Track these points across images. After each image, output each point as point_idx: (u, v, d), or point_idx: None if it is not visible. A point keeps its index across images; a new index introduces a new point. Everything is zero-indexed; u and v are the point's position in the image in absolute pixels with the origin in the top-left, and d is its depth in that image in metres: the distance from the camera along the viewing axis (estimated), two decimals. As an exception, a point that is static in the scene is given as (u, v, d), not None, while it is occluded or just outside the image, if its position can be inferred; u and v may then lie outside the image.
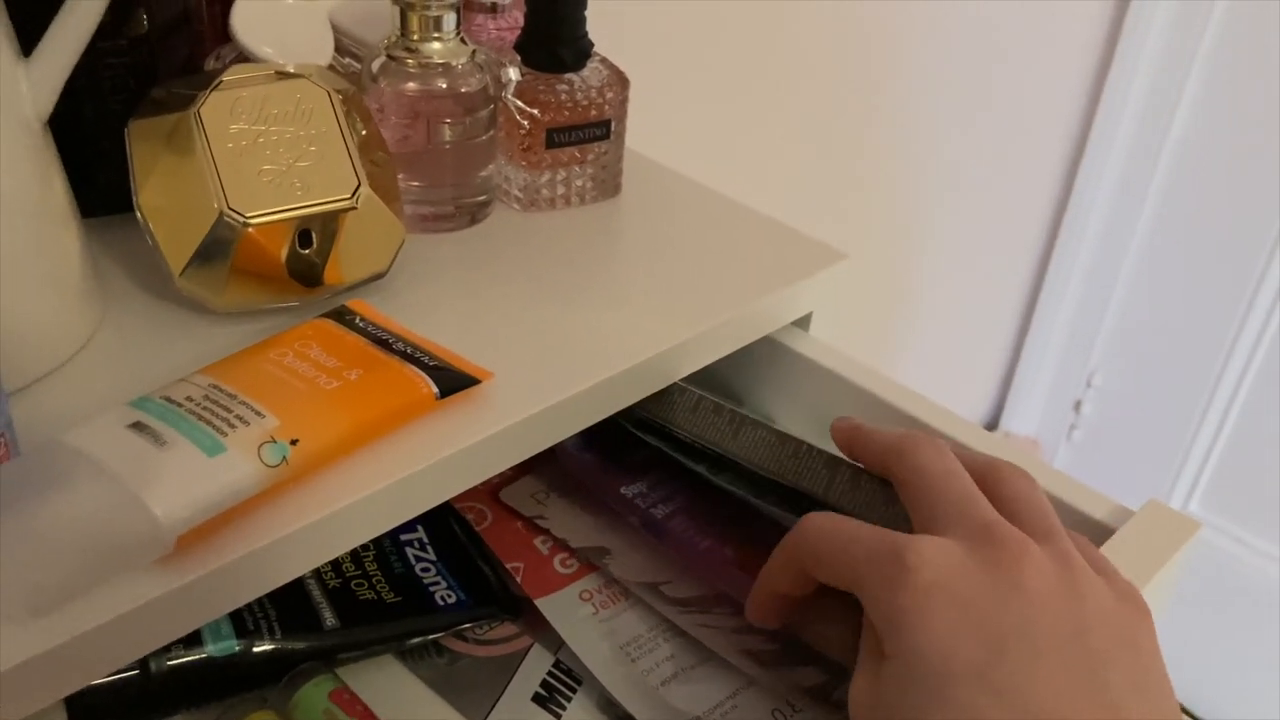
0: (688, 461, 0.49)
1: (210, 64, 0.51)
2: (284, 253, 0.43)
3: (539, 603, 0.49)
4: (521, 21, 0.53)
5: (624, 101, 0.54)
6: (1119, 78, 1.52)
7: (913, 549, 0.35)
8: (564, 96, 0.52)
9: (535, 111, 0.52)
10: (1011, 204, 1.56)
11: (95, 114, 0.47)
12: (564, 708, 0.46)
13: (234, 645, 0.44)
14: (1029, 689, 0.32)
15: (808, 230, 0.55)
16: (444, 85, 0.49)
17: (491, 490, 0.54)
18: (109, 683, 0.41)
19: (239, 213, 0.41)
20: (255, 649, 0.44)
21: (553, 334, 0.46)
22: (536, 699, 0.46)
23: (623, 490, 0.51)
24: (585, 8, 0.52)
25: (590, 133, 0.53)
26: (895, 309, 1.44)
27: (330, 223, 0.43)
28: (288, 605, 0.46)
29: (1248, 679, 1.69)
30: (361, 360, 0.40)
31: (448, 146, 0.50)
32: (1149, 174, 1.59)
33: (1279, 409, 1.59)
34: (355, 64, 0.54)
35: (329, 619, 0.46)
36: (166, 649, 0.42)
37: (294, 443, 0.35)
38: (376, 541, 0.51)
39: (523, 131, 0.52)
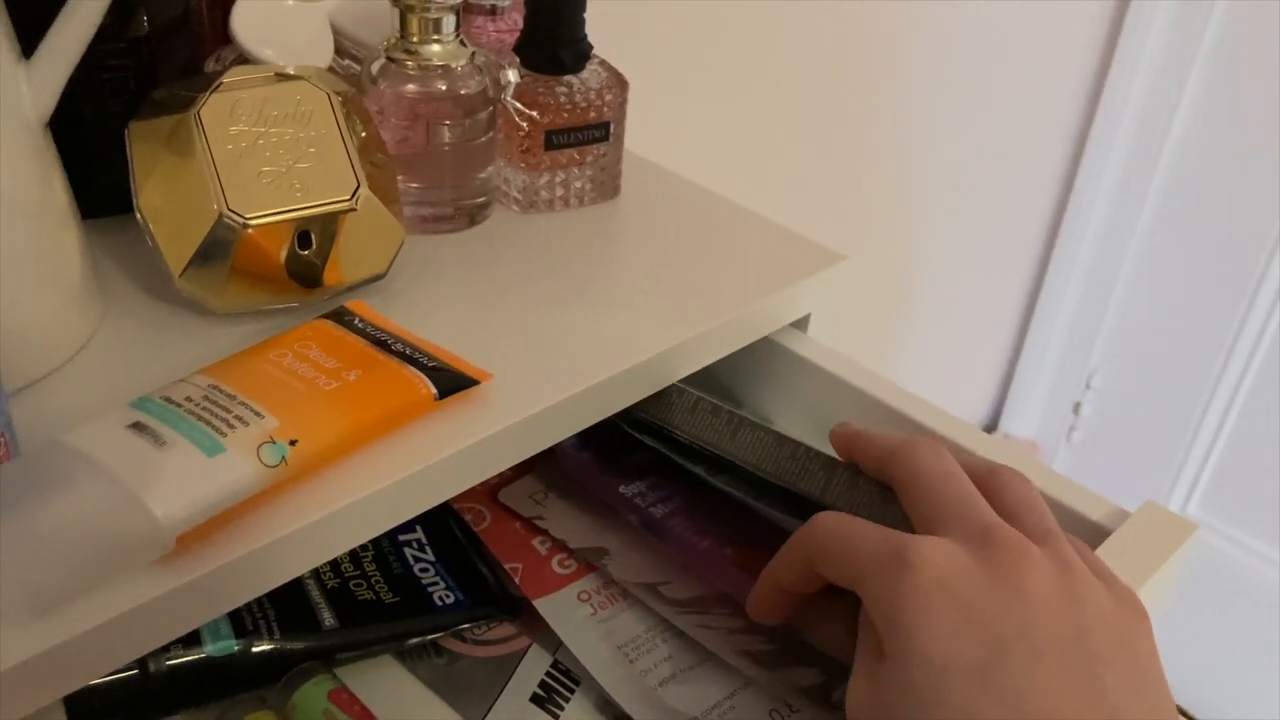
0: (686, 463, 0.49)
1: (210, 66, 0.51)
2: (283, 254, 0.43)
3: (537, 603, 0.49)
4: (520, 24, 0.53)
5: (623, 103, 0.54)
6: (1119, 78, 1.52)
7: (915, 548, 0.35)
8: (563, 98, 0.52)
9: (534, 113, 0.52)
10: (1011, 205, 1.56)
11: (95, 115, 0.47)
12: (562, 708, 0.46)
13: (233, 645, 0.44)
14: (1028, 691, 0.32)
15: (806, 232, 0.55)
16: (443, 87, 0.49)
17: (490, 491, 0.54)
18: (108, 682, 0.41)
19: (238, 214, 0.42)
20: (254, 649, 0.44)
21: (551, 335, 0.46)
22: (535, 699, 0.47)
23: (622, 489, 0.51)
24: (584, 10, 0.52)
25: (589, 134, 0.53)
26: (894, 310, 1.44)
27: (330, 224, 0.43)
28: (286, 605, 0.46)
29: (1246, 680, 1.69)
30: (361, 361, 0.40)
31: (447, 148, 0.50)
32: (1149, 175, 1.59)
33: (1278, 411, 1.59)
34: (355, 66, 0.54)
35: (328, 619, 0.47)
36: (165, 649, 0.42)
37: (293, 443, 0.36)
38: (375, 542, 0.51)
39: (522, 133, 0.52)
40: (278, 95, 0.44)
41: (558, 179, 0.54)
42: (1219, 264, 1.58)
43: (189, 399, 0.36)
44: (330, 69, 0.50)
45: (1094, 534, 0.45)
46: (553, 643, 0.49)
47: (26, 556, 0.31)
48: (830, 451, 0.44)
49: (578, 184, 0.55)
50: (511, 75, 0.52)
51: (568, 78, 0.53)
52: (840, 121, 1.14)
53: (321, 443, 0.36)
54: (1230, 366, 1.61)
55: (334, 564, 0.49)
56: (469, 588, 0.50)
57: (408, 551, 0.51)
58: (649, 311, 0.48)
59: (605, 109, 0.53)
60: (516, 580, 0.50)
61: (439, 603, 0.49)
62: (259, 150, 0.43)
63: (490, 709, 0.46)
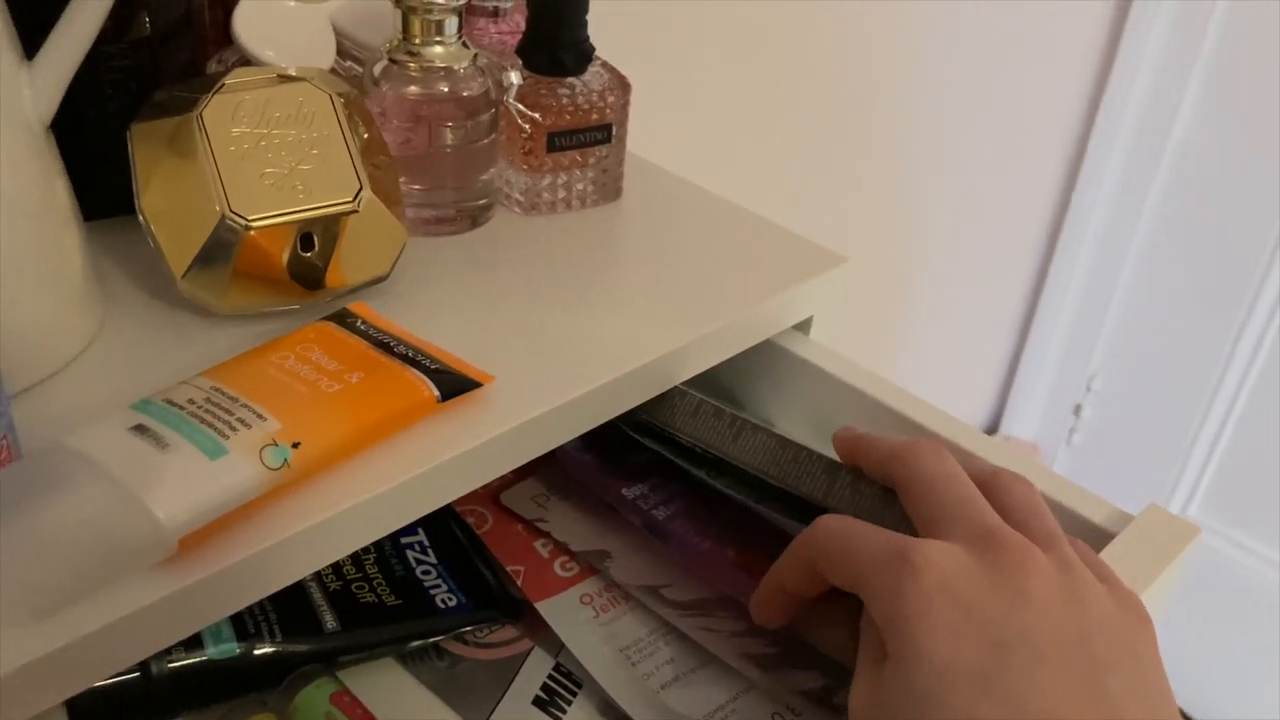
0: (688, 466, 0.49)
1: (212, 67, 0.51)
2: (286, 256, 0.43)
3: (539, 606, 0.49)
4: (523, 25, 0.53)
5: (625, 105, 0.54)
6: (1119, 81, 1.52)
7: (918, 550, 0.35)
8: (565, 100, 0.52)
9: (536, 115, 0.52)
10: (1012, 207, 1.56)
11: (97, 117, 0.47)
12: (564, 711, 0.46)
13: (235, 648, 0.44)
14: (1029, 693, 0.32)
15: (808, 234, 0.55)
16: (446, 89, 0.49)
17: (492, 493, 0.54)
18: (110, 685, 0.41)
19: (241, 216, 0.42)
20: (256, 651, 0.44)
21: (553, 337, 0.46)
22: (537, 702, 0.47)
23: (624, 491, 0.51)
24: (586, 12, 0.52)
25: (591, 136, 0.53)
26: (895, 312, 1.44)
27: (332, 226, 0.43)
28: (288, 608, 0.46)
29: (1246, 682, 1.69)
30: (363, 363, 0.40)
31: (449, 150, 0.50)
32: (1149, 177, 1.59)
33: (1279, 413, 1.59)
34: (356, 67, 0.54)
35: (330, 622, 0.46)
36: (167, 651, 0.42)
37: (296, 446, 0.35)
38: (377, 544, 0.51)
39: (524, 135, 0.52)
40: (280, 97, 0.44)
41: (560, 181, 0.54)
42: (1220, 266, 1.58)
43: (191, 401, 0.36)
44: (332, 70, 0.50)
45: (1097, 537, 0.45)
46: (555, 645, 0.49)
47: (28, 559, 0.31)
48: (833, 454, 0.44)
49: (580, 186, 0.55)
50: (514, 77, 0.52)
51: (570, 80, 0.53)
52: (841, 123, 1.14)
53: (324, 445, 0.36)
54: (1231, 368, 1.61)
55: (336, 566, 0.49)
56: (471, 590, 0.50)
57: (410, 554, 0.51)
58: (651, 314, 0.48)
59: (607, 111, 0.53)
60: (518, 583, 0.50)
61: (441, 605, 0.49)
62: (261, 152, 0.43)
63: (492, 712, 0.46)
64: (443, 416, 0.40)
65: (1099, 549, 0.43)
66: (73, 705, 0.39)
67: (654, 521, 0.50)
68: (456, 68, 0.49)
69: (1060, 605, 0.34)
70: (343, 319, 0.43)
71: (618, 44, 0.58)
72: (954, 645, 0.33)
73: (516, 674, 0.48)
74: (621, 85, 0.54)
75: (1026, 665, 0.33)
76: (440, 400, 0.40)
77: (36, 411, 0.39)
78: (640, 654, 0.47)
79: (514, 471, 0.48)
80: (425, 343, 0.43)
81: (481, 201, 0.53)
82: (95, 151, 0.46)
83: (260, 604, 0.45)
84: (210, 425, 0.35)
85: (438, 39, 0.48)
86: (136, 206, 0.43)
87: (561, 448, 0.52)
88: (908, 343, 1.50)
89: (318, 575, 0.48)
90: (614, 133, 0.54)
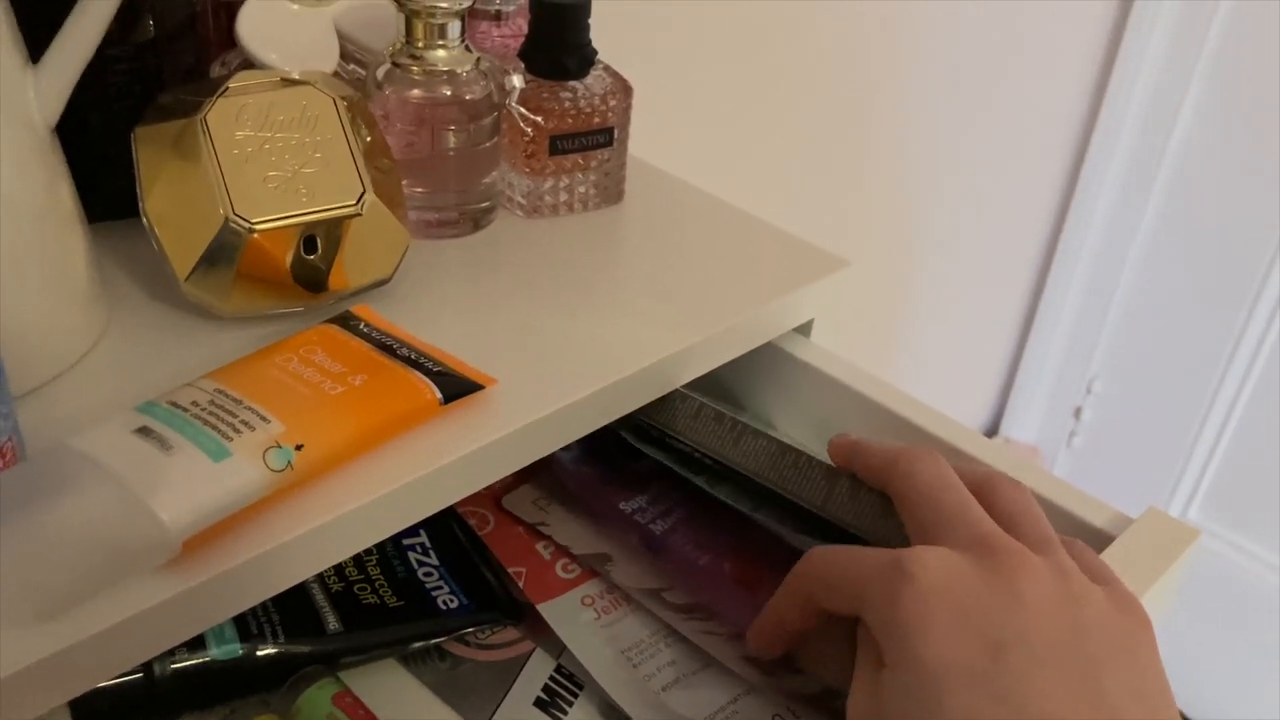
0: (687, 474, 0.49)
1: (216, 70, 0.51)
2: (289, 258, 0.43)
3: (541, 608, 0.49)
4: (525, 29, 0.53)
5: (627, 109, 0.54)
6: (1120, 85, 1.52)
7: (913, 557, 0.35)
8: (567, 104, 0.52)
9: (539, 118, 0.52)
10: (1012, 210, 1.56)
11: (101, 120, 0.47)
12: (566, 712, 0.46)
13: (237, 649, 0.44)
14: (1028, 694, 0.32)
15: (809, 237, 0.55)
16: (448, 92, 0.49)
17: (494, 496, 0.54)
18: (113, 686, 0.41)
19: (244, 219, 0.42)
20: (258, 652, 0.44)
21: (555, 340, 0.46)
22: (538, 704, 0.47)
23: (621, 506, 0.51)
24: (589, 16, 0.52)
25: (593, 140, 0.53)
26: (896, 315, 1.44)
27: (335, 229, 0.43)
28: (291, 609, 0.46)
29: (1245, 685, 1.69)
30: (366, 366, 0.40)
31: (452, 153, 0.50)
32: (1150, 179, 1.59)
33: (1278, 416, 1.59)
34: (359, 70, 0.54)
35: (332, 623, 0.47)
36: (170, 652, 0.42)
37: (299, 448, 0.36)
38: (379, 546, 0.51)
39: (526, 138, 0.52)
40: (284, 100, 0.44)
41: (562, 184, 0.54)
42: (1220, 269, 1.58)
43: (195, 403, 0.36)
44: (335, 74, 0.51)
45: (1097, 540, 0.45)
46: (556, 647, 0.49)
47: (33, 560, 0.32)
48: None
49: (582, 189, 0.55)
50: (516, 80, 0.52)
51: (572, 83, 0.53)
52: (842, 126, 1.14)
53: (327, 447, 0.37)
54: (1231, 371, 1.61)
55: (338, 568, 0.49)
56: (473, 592, 0.50)
57: (412, 555, 0.51)
58: (653, 316, 0.48)
59: (609, 114, 0.53)
60: (520, 584, 0.50)
61: (443, 607, 0.49)
62: (265, 155, 0.43)
63: (494, 713, 0.46)
64: (445, 419, 0.40)
65: (1098, 552, 0.43)
66: (76, 706, 0.39)
67: (651, 536, 0.50)
68: (459, 71, 0.49)
69: (1055, 607, 0.35)
70: (346, 321, 0.43)
71: (619, 47, 0.59)
72: (951, 647, 0.33)
73: (518, 675, 0.48)
74: (623, 89, 0.54)
75: (1023, 666, 0.33)
76: (443, 403, 0.40)
77: (41, 413, 0.39)
78: (641, 656, 0.47)
79: (515, 475, 0.48)
80: (428, 345, 0.43)
81: (484, 204, 0.53)
82: (99, 154, 0.46)
83: (263, 605, 0.46)
84: (214, 427, 0.35)
85: (440, 42, 0.49)
86: (140, 209, 0.43)
87: (558, 461, 0.52)
88: (908, 345, 1.50)
89: (320, 576, 0.49)
90: (616, 136, 0.54)
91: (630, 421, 0.50)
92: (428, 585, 0.50)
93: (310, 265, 0.44)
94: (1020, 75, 1.36)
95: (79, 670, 0.32)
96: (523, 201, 0.54)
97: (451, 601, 0.49)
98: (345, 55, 0.53)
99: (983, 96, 1.32)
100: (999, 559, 0.35)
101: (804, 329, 0.55)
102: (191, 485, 0.33)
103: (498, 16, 0.57)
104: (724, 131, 1.00)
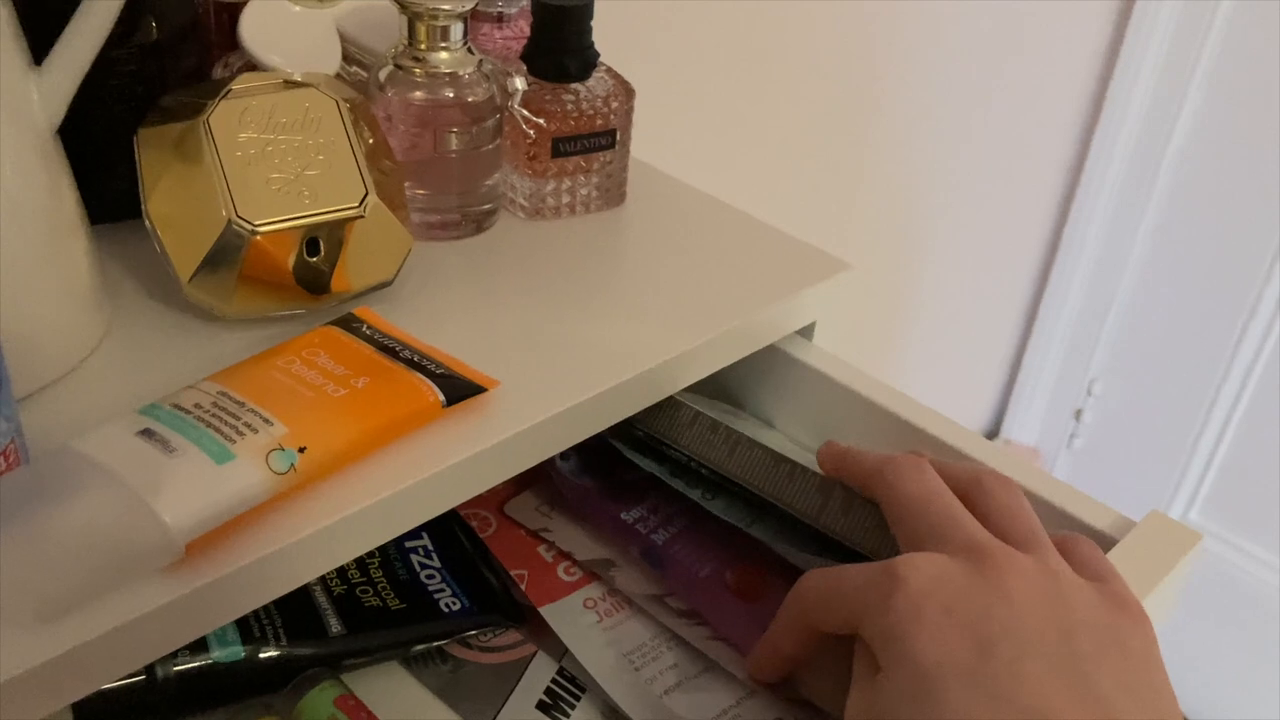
0: (682, 487, 0.49)
1: (218, 72, 0.51)
2: (291, 261, 0.43)
3: (543, 610, 0.49)
4: (527, 31, 0.53)
5: (629, 111, 0.54)
6: (1120, 88, 1.52)
7: (904, 561, 0.36)
8: (569, 106, 0.52)
9: (541, 121, 0.52)
10: (1013, 212, 1.56)
11: (104, 121, 0.47)
12: (568, 715, 0.46)
13: (239, 651, 0.44)
14: (1017, 688, 0.33)
15: (811, 239, 0.55)
16: (451, 94, 0.49)
17: (496, 499, 0.54)
18: (115, 688, 0.41)
19: (247, 221, 0.42)
20: (261, 655, 0.44)
21: (557, 342, 0.46)
22: (540, 706, 0.47)
23: (623, 516, 0.51)
24: (591, 18, 0.52)
25: (595, 142, 0.53)
26: (897, 317, 1.44)
27: (337, 231, 0.43)
28: (293, 612, 0.46)
29: (1246, 687, 1.69)
30: (369, 368, 0.40)
31: (454, 155, 0.50)
32: (1150, 182, 1.59)
33: (1279, 419, 1.59)
34: (362, 72, 0.54)
35: (334, 625, 0.47)
36: (172, 654, 0.42)
37: (302, 450, 0.36)
38: (381, 548, 0.51)
39: (528, 140, 0.52)
40: (286, 102, 0.44)
41: (564, 186, 0.54)
42: (1221, 270, 1.58)
43: (198, 406, 0.36)
44: (337, 75, 0.51)
45: (1099, 543, 0.45)
46: (558, 650, 0.49)
47: (36, 563, 0.32)
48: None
49: (584, 191, 0.55)
50: (519, 83, 0.52)
51: (574, 85, 0.53)
52: (844, 129, 1.14)
53: (330, 450, 0.37)
54: (1232, 373, 1.61)
55: (340, 570, 0.49)
56: (475, 594, 0.50)
57: (414, 558, 0.51)
58: (655, 319, 0.48)
59: (611, 116, 0.53)
60: (522, 587, 0.50)
61: (445, 609, 0.49)
62: (268, 157, 0.43)
63: (496, 716, 0.46)
64: (448, 421, 0.40)
65: (1101, 555, 0.43)
66: (79, 708, 0.39)
67: (652, 547, 0.50)
68: (462, 73, 0.49)
69: (1043, 606, 0.35)
70: (348, 324, 0.43)
71: (621, 50, 0.59)
72: (944, 646, 0.34)
73: (520, 678, 0.48)
74: (625, 91, 0.54)
75: (1013, 660, 0.33)
76: (445, 405, 0.40)
77: (44, 415, 0.39)
78: (644, 659, 0.47)
79: (517, 481, 0.48)
80: (430, 347, 0.43)
81: (486, 206, 0.53)
82: (102, 156, 0.46)
83: (265, 608, 0.46)
84: (217, 430, 0.35)
85: (443, 45, 0.49)
86: (143, 211, 0.43)
87: (558, 472, 0.52)
88: (909, 347, 1.50)
89: (322, 579, 0.49)
90: (618, 138, 0.54)
91: (625, 431, 0.50)
92: (430, 588, 0.50)
93: (313, 267, 0.44)
94: (1021, 78, 1.36)
95: (82, 673, 0.32)
96: (525, 203, 0.54)
97: (453, 604, 0.49)
98: (347, 57, 0.53)
99: (984, 99, 1.32)
100: (987, 562, 0.36)
101: (806, 331, 0.55)
102: (194, 488, 0.33)
103: (500, 19, 0.57)
104: (725, 134, 1.00)
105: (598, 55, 0.54)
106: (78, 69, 0.41)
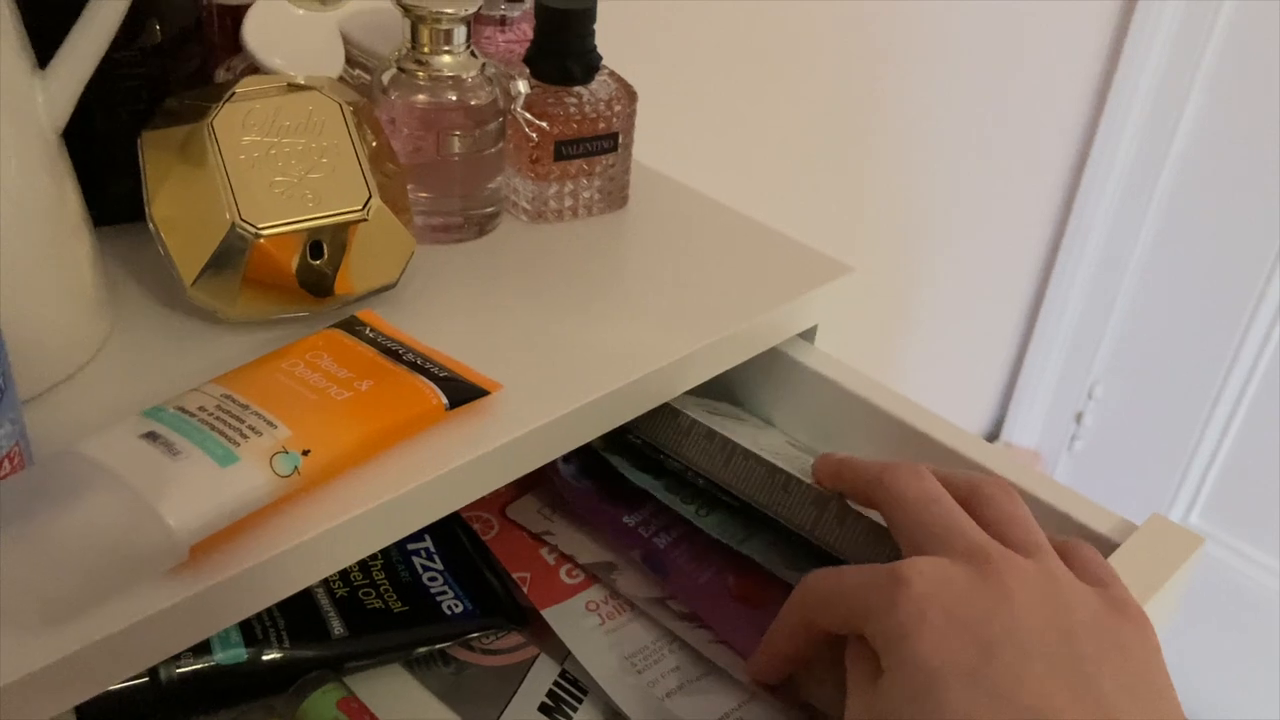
0: (676, 503, 0.49)
1: (221, 75, 0.51)
2: (295, 263, 0.43)
3: (545, 613, 0.49)
4: (530, 34, 0.54)
5: (631, 115, 0.54)
6: (1121, 93, 1.52)
7: (906, 565, 0.36)
8: (572, 109, 0.52)
9: (544, 124, 0.52)
10: (1014, 215, 1.56)
11: (108, 124, 0.47)
12: (569, 718, 0.46)
13: (242, 653, 0.44)
14: (1018, 689, 0.33)
15: (813, 243, 0.55)
16: (454, 98, 0.49)
17: (498, 501, 0.54)
18: (119, 690, 0.41)
19: (251, 224, 0.42)
20: (263, 657, 0.44)
21: (560, 345, 0.46)
22: (543, 709, 0.47)
23: (624, 520, 0.51)
24: (594, 22, 0.52)
25: (598, 145, 0.53)
26: (898, 320, 1.44)
27: (341, 234, 0.44)
28: (296, 614, 0.46)
29: (1246, 690, 1.69)
30: (372, 371, 0.40)
31: (457, 158, 0.50)
32: (1151, 185, 1.59)
33: (1280, 421, 1.59)
34: (365, 75, 0.54)
35: (337, 628, 0.47)
36: (175, 657, 0.42)
37: (306, 453, 0.36)
38: (384, 551, 0.51)
39: (531, 144, 0.52)
40: (290, 105, 0.44)
41: (566, 189, 0.54)
42: (1221, 273, 1.58)
43: (202, 408, 0.36)
44: (340, 79, 0.51)
45: (1100, 547, 0.45)
46: (561, 652, 0.49)
47: (40, 565, 0.32)
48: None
49: (586, 194, 0.55)
50: (521, 86, 0.53)
51: (577, 89, 0.53)
52: (846, 132, 1.14)
53: (334, 453, 0.37)
54: (1233, 376, 1.61)
55: (343, 573, 0.49)
56: (477, 597, 0.50)
57: (416, 560, 0.51)
58: (657, 322, 0.48)
59: (614, 120, 0.53)
60: (524, 589, 0.50)
61: (447, 612, 0.49)
62: (271, 160, 0.43)
63: (498, 718, 0.46)
64: (450, 424, 0.40)
65: (1103, 558, 0.43)
66: (82, 710, 0.39)
67: (654, 551, 0.50)
68: (465, 77, 0.49)
69: (1044, 608, 0.35)
70: (351, 326, 0.43)
71: (624, 53, 0.59)
72: (946, 649, 0.34)
73: (522, 680, 0.48)
74: (628, 94, 0.54)
75: (1014, 662, 0.34)
76: (448, 408, 0.40)
77: (48, 417, 0.39)
78: (645, 661, 0.47)
79: (519, 484, 0.48)
80: (433, 350, 0.43)
81: (489, 209, 0.53)
82: (106, 158, 0.47)
83: (268, 610, 0.46)
84: (221, 433, 0.35)
85: (446, 48, 0.49)
86: (147, 214, 0.43)
87: (559, 476, 0.52)
88: (910, 350, 1.50)
89: (325, 581, 0.49)
90: (620, 141, 0.54)
91: (622, 439, 0.50)
92: (432, 590, 0.50)
93: (316, 270, 0.44)
94: (1023, 81, 1.37)
95: (86, 675, 0.32)
96: (527, 207, 0.54)
97: (456, 606, 0.49)
98: (350, 60, 0.53)
99: (985, 102, 1.32)
100: (989, 567, 0.36)
101: (808, 334, 0.55)
102: (199, 490, 0.33)
103: (503, 22, 0.57)
104: (728, 137, 1.01)
105: (600, 58, 0.54)
106: (83, 72, 0.41)
